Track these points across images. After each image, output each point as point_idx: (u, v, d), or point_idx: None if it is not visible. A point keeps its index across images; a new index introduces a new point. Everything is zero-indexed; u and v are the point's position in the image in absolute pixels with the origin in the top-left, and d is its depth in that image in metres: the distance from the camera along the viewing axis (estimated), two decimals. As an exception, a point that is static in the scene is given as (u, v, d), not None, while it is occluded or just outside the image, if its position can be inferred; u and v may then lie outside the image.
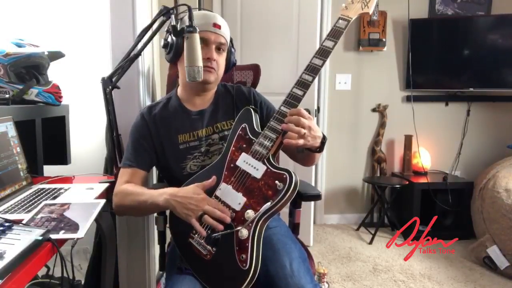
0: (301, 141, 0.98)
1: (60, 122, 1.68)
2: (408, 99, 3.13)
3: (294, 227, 1.32)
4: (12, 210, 1.00)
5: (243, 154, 1.07)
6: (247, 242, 0.96)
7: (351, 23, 1.11)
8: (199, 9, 2.21)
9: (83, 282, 1.60)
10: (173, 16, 1.16)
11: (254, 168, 1.03)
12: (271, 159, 1.03)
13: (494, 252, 2.34)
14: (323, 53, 1.07)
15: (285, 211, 1.23)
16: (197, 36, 1.07)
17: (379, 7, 2.99)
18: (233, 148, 1.10)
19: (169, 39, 1.20)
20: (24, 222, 0.88)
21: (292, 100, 1.06)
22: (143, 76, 1.51)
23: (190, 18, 1.08)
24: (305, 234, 2.69)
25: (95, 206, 1.01)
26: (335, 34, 1.08)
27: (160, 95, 1.81)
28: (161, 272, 1.70)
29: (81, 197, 1.13)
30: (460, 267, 2.45)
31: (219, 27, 1.19)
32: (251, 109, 1.15)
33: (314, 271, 1.18)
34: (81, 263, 1.96)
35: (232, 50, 1.30)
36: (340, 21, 1.10)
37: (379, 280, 2.27)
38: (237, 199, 1.02)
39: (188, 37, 1.07)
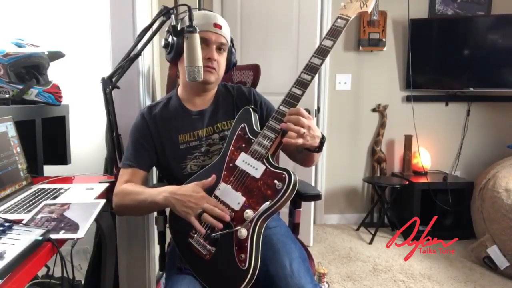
0: (300, 141, 0.98)
1: (60, 122, 1.68)
2: (408, 99, 3.13)
3: (294, 227, 1.32)
4: (12, 210, 1.00)
5: (242, 153, 1.07)
6: (246, 242, 0.96)
7: (350, 22, 1.11)
8: (199, 9, 2.21)
9: (83, 282, 1.61)
10: (173, 16, 1.16)
11: (253, 167, 1.03)
12: (270, 158, 1.03)
13: (494, 252, 2.34)
14: (322, 52, 1.07)
15: (285, 211, 1.23)
16: (197, 36, 1.08)
17: (379, 7, 2.99)
18: (232, 148, 1.10)
19: (170, 39, 1.20)
20: (24, 222, 0.88)
21: (291, 100, 1.06)
22: (143, 76, 1.51)
23: (190, 18, 1.08)
24: (305, 234, 2.69)
25: (95, 206, 1.01)
26: (334, 33, 1.08)
27: (160, 95, 1.81)
28: (161, 272, 1.70)
29: (81, 197, 1.13)
30: (460, 267, 2.45)
31: (220, 27, 1.19)
32: (251, 109, 1.15)
33: (314, 271, 1.18)
34: (81, 263, 1.96)
35: (233, 50, 1.31)
36: (339, 20, 1.10)
37: (379, 280, 2.27)
38: (236, 199, 1.02)
39: (188, 37, 1.07)
